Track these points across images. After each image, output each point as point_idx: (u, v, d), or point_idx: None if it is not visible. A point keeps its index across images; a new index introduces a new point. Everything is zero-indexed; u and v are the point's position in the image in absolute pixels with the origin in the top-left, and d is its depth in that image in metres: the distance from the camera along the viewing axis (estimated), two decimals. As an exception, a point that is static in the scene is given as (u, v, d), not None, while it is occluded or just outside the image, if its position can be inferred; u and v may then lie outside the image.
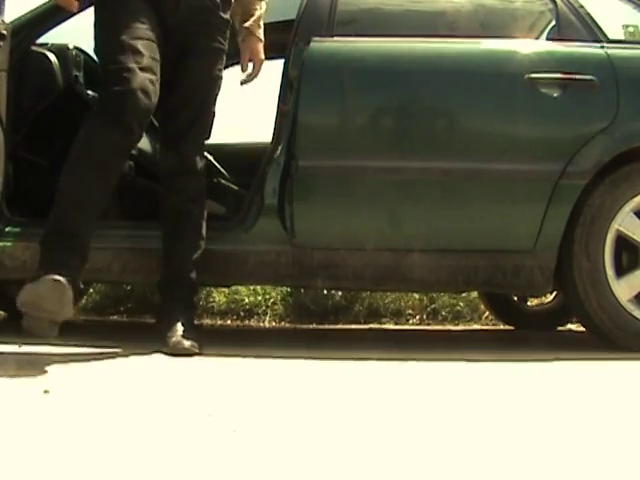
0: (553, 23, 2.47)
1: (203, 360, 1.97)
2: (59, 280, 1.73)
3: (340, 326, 3.45)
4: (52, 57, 2.67)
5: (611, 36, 2.40)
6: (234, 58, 3.43)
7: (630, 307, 2.28)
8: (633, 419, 1.37)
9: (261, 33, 2.33)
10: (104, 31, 2.04)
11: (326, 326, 3.43)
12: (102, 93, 2.09)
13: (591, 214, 2.30)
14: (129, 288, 3.58)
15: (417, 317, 3.53)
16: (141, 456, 1.05)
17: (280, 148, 2.37)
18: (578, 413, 1.42)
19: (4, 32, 2.07)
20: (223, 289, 3.60)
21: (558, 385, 1.75)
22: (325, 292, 3.49)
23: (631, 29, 2.50)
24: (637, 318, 2.27)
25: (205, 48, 2.17)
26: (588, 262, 2.28)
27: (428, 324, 3.50)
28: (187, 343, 2.00)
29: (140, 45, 1.95)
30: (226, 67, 3.43)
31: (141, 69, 1.91)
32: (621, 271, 2.33)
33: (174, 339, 2.01)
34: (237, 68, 3.46)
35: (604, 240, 2.29)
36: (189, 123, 2.19)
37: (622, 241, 2.33)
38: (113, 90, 1.89)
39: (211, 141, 3.52)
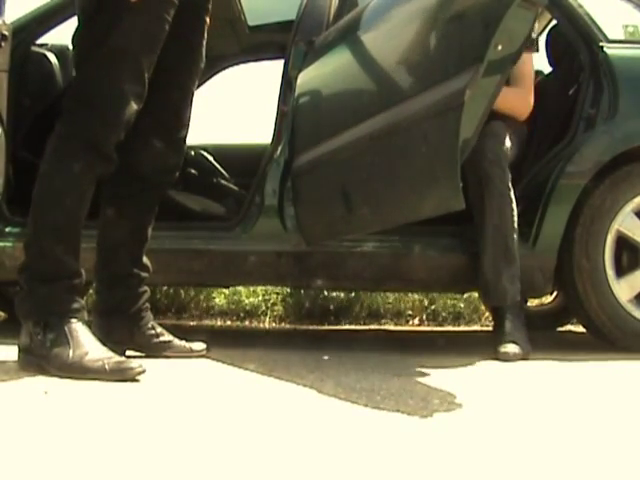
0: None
1: (203, 361, 1.96)
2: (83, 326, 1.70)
3: (340, 327, 3.45)
4: (52, 57, 2.68)
5: (610, 36, 2.40)
6: (234, 58, 3.47)
7: (630, 307, 2.27)
8: (633, 419, 1.36)
9: None
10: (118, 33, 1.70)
11: (326, 327, 3.43)
12: (79, 101, 1.75)
13: (591, 214, 2.30)
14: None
15: (417, 318, 3.52)
16: (139, 456, 1.04)
17: (280, 148, 2.37)
18: (579, 414, 1.41)
19: (5, 33, 2.05)
20: (223, 290, 3.59)
21: (558, 385, 1.75)
22: (325, 293, 3.49)
23: (631, 29, 2.50)
24: (637, 318, 2.27)
25: None
26: (588, 262, 2.28)
27: (428, 325, 3.50)
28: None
29: (147, 69, 1.74)
30: (226, 67, 3.48)
31: (136, 99, 1.73)
32: (621, 271, 2.34)
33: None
34: (236, 68, 3.51)
35: (604, 240, 2.29)
36: None
37: (622, 241, 2.33)
38: (103, 119, 1.72)
39: (211, 142, 3.56)
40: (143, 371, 1.62)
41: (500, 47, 1.66)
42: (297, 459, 1.04)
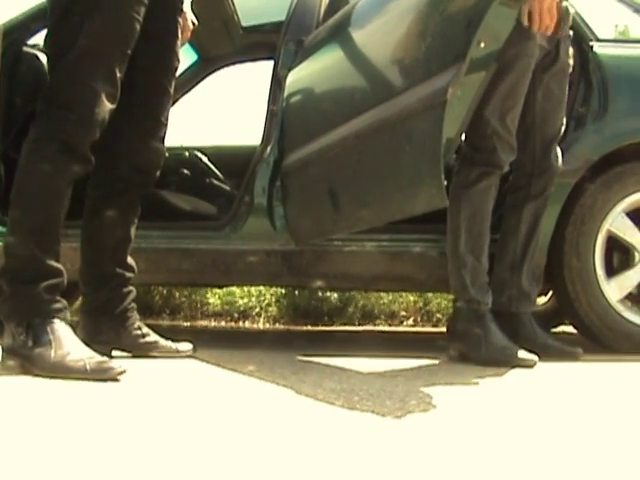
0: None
1: (188, 361, 1.96)
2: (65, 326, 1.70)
3: (334, 328, 3.44)
4: (44, 58, 2.68)
5: (600, 35, 2.39)
6: (228, 59, 3.48)
7: (620, 308, 2.27)
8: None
9: None
10: (87, 29, 1.69)
11: (320, 328, 3.42)
12: (52, 102, 1.74)
13: (582, 214, 2.29)
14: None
15: (411, 319, 3.51)
16: (117, 456, 1.04)
17: (269, 148, 2.37)
18: (563, 415, 1.40)
19: (-3, 34, 2.06)
20: (217, 291, 3.60)
21: (544, 387, 1.74)
22: (320, 294, 3.49)
23: (621, 28, 2.49)
24: (627, 319, 2.26)
25: None
26: (578, 262, 2.27)
27: (422, 326, 3.49)
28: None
29: (119, 68, 1.73)
30: (220, 68, 3.49)
31: (109, 98, 1.73)
32: (612, 272, 2.33)
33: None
34: (233, 69, 3.51)
35: (595, 240, 2.28)
36: None
37: (613, 241, 2.32)
38: (77, 119, 1.71)
39: (207, 143, 3.56)
40: (124, 371, 1.62)
41: (483, 45, 1.66)
42: (262, 459, 1.04)
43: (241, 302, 3.58)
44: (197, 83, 3.46)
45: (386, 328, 3.43)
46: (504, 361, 1.96)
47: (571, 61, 2.20)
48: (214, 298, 3.62)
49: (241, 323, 3.55)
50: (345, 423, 1.25)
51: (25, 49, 2.63)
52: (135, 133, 1.92)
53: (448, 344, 2.10)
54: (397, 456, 1.06)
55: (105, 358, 1.68)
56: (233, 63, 3.47)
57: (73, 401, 1.41)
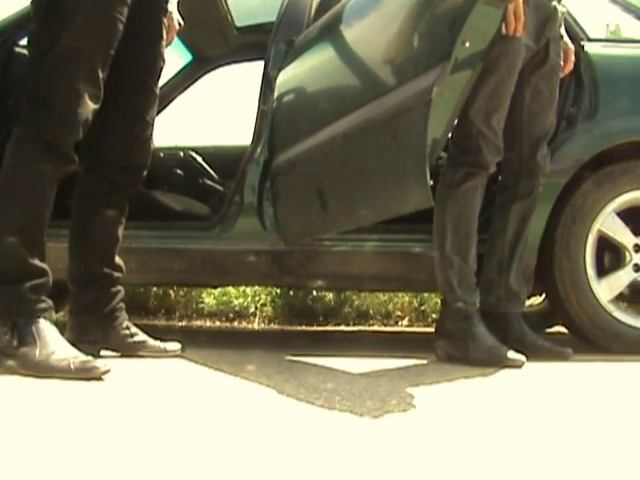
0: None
1: (177, 361, 1.96)
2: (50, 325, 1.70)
3: (329, 328, 3.44)
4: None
5: (592, 35, 2.38)
6: (223, 59, 3.48)
7: (610, 308, 2.26)
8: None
9: None
10: (68, 30, 1.70)
11: (315, 328, 3.42)
12: (35, 102, 1.74)
13: (572, 214, 2.28)
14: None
15: (406, 319, 3.51)
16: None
17: (260, 148, 2.37)
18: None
19: (-11, 34, 2.06)
20: (213, 291, 3.60)
21: (543, 386, 1.73)
22: (315, 294, 3.49)
23: (612, 28, 2.48)
24: (617, 319, 2.25)
25: None
26: (569, 262, 2.27)
27: (418, 326, 3.48)
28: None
29: (102, 68, 1.74)
30: (215, 68, 3.49)
31: (92, 98, 1.73)
32: (603, 272, 2.32)
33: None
34: (225, 69, 3.51)
35: (585, 240, 2.27)
36: None
37: (604, 242, 2.31)
38: (60, 119, 1.71)
39: (202, 143, 3.57)
40: (108, 370, 1.62)
41: (468, 44, 1.65)
42: (235, 458, 1.03)
43: (236, 302, 3.58)
44: (192, 83, 3.46)
45: (381, 328, 3.43)
46: (492, 361, 1.95)
47: (572, 57, 2.19)
48: (209, 298, 3.63)
49: (236, 323, 3.55)
50: (322, 423, 1.25)
51: (17, 49, 2.64)
52: (121, 133, 1.93)
53: (436, 344, 2.09)
54: (371, 456, 1.06)
55: (90, 357, 1.68)
56: (228, 63, 3.47)
57: (56, 400, 1.42)
